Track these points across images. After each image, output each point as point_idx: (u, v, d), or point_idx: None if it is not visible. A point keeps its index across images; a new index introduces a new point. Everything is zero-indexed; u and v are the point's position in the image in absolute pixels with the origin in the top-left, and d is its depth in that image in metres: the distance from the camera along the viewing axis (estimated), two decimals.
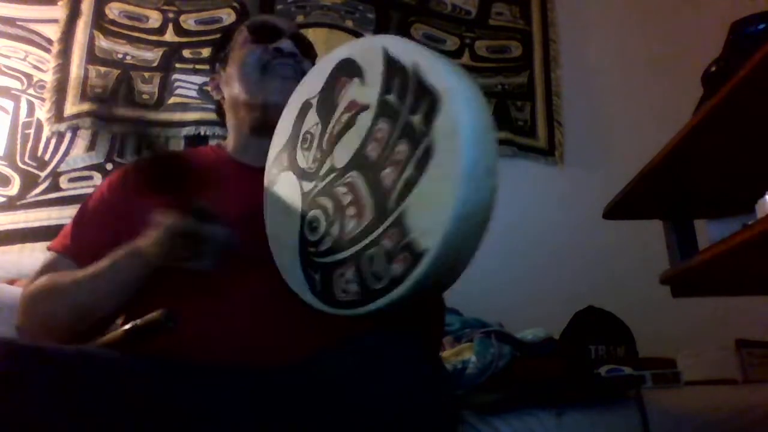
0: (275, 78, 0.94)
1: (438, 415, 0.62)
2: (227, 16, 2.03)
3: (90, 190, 1.77)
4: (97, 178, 1.82)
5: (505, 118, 2.15)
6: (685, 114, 0.88)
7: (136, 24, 1.98)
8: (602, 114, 2.25)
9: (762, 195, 0.84)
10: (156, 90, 1.93)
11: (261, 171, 0.87)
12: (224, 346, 0.75)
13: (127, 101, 1.90)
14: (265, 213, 0.83)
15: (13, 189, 1.77)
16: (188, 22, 2.02)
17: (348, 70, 0.76)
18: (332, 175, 0.74)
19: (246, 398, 0.67)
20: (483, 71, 2.19)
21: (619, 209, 1.11)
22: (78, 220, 0.93)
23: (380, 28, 2.12)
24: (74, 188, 1.80)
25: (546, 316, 1.54)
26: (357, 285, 0.67)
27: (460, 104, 0.62)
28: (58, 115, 1.85)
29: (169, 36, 1.98)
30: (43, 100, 1.86)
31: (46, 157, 1.82)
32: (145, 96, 1.92)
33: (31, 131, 1.84)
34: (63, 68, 1.89)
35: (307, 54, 1.02)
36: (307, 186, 0.77)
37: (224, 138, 1.06)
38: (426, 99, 0.64)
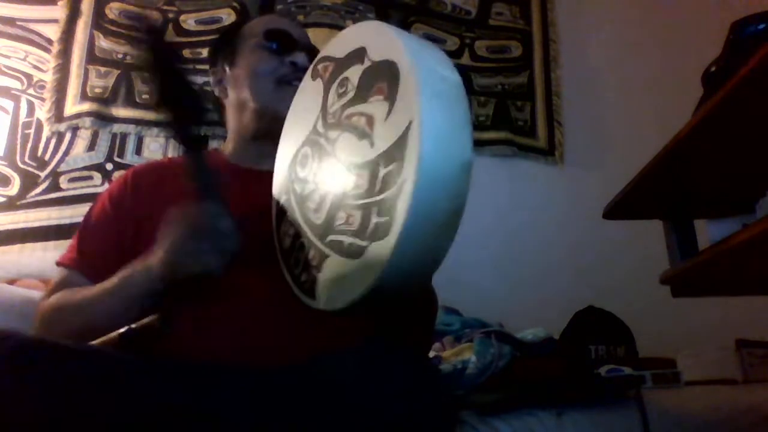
0: (290, 93, 0.92)
1: (437, 415, 0.62)
2: (227, 16, 2.03)
3: (90, 190, 1.78)
4: (97, 178, 1.82)
5: (505, 118, 2.15)
6: (685, 114, 0.88)
7: (137, 24, 1.98)
8: (602, 114, 2.24)
9: (762, 195, 0.84)
10: None
11: (259, 173, 0.88)
12: (224, 346, 0.75)
13: (127, 101, 1.90)
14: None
15: (13, 189, 1.77)
16: (188, 22, 2.02)
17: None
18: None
19: (246, 398, 0.67)
20: (483, 71, 2.19)
21: (619, 209, 1.11)
22: (82, 233, 0.93)
23: None
24: (74, 188, 1.80)
25: (546, 316, 1.54)
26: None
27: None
28: (58, 115, 1.84)
29: (169, 36, 1.98)
30: (43, 100, 1.86)
31: (46, 157, 1.82)
32: (145, 96, 1.91)
33: (31, 131, 1.83)
34: (63, 68, 1.89)
35: None
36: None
37: (224, 138, 1.06)
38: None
